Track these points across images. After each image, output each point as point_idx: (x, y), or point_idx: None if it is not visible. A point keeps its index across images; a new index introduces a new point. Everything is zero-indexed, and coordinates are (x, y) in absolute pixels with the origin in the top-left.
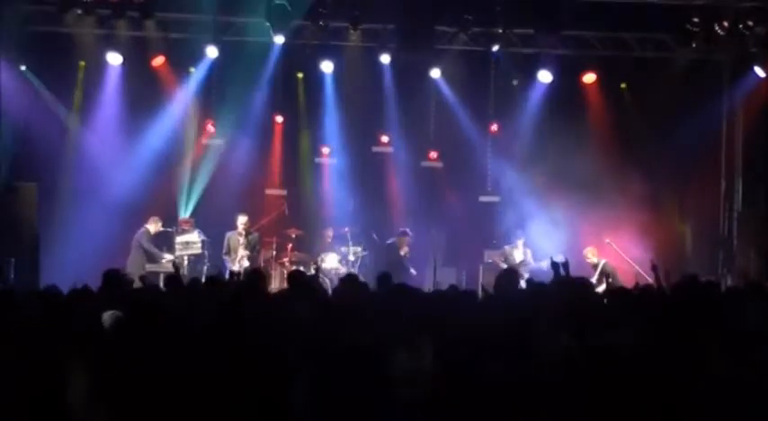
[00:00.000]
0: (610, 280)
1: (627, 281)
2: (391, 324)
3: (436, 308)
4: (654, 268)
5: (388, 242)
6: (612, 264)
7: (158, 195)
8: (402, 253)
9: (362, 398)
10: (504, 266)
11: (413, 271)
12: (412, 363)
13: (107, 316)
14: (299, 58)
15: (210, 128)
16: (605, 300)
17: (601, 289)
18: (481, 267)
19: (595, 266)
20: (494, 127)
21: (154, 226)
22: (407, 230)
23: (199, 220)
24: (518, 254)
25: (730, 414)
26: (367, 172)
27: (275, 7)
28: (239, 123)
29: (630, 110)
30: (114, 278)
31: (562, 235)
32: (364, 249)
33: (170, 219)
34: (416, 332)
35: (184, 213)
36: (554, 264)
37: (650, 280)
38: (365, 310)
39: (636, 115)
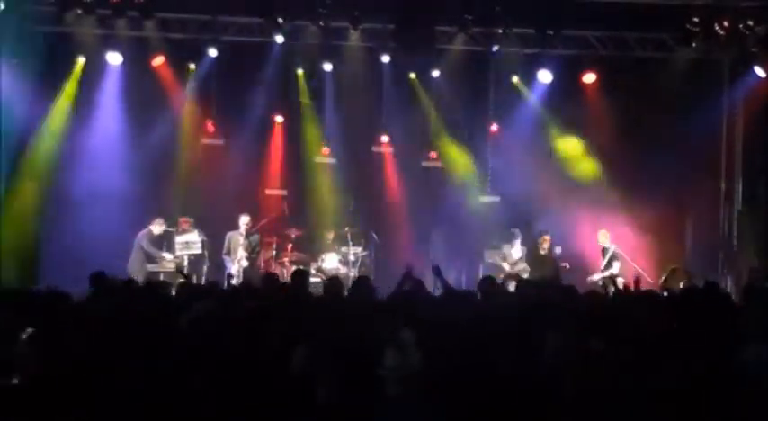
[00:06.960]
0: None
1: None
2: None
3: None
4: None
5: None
6: (621, 252)
7: (158, 195)
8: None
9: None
10: (505, 266)
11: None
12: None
13: None
14: (299, 57)
15: (210, 128)
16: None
17: (607, 273)
18: (481, 267)
19: (605, 251)
20: (493, 127)
21: (158, 228)
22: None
23: (199, 220)
24: (515, 253)
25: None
26: (367, 172)
27: None
28: (239, 123)
29: (630, 110)
30: (101, 280)
31: (561, 234)
32: (364, 249)
33: (169, 218)
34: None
35: None
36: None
37: (650, 279)
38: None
39: (636, 115)
